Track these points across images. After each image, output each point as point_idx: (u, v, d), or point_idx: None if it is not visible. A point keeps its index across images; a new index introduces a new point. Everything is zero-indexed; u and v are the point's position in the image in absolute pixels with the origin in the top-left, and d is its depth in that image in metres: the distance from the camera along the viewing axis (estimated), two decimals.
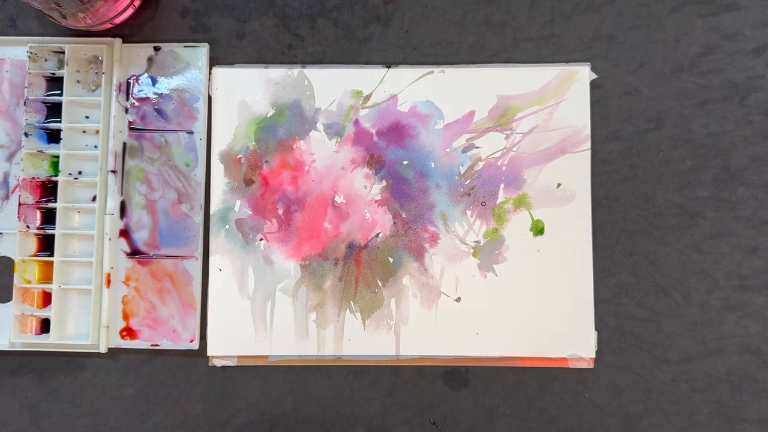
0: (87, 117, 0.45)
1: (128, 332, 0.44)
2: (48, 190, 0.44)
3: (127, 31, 0.46)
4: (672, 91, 0.45)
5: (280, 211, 0.45)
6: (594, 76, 0.45)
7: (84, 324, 0.44)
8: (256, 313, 0.44)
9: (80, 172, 0.44)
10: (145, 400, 0.44)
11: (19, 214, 0.44)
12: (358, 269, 0.44)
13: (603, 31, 0.45)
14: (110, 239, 0.44)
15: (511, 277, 0.44)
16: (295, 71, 0.45)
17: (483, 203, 0.44)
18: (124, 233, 0.44)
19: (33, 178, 0.44)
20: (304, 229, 0.44)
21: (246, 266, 0.44)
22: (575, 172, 0.44)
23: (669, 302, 0.44)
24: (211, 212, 0.44)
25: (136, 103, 0.45)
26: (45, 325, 0.44)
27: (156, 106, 0.45)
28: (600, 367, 0.44)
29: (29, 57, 0.44)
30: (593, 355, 0.43)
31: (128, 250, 0.44)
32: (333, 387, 0.44)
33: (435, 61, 0.45)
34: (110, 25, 0.45)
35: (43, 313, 0.43)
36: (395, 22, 0.46)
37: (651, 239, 0.44)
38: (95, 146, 0.44)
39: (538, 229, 0.44)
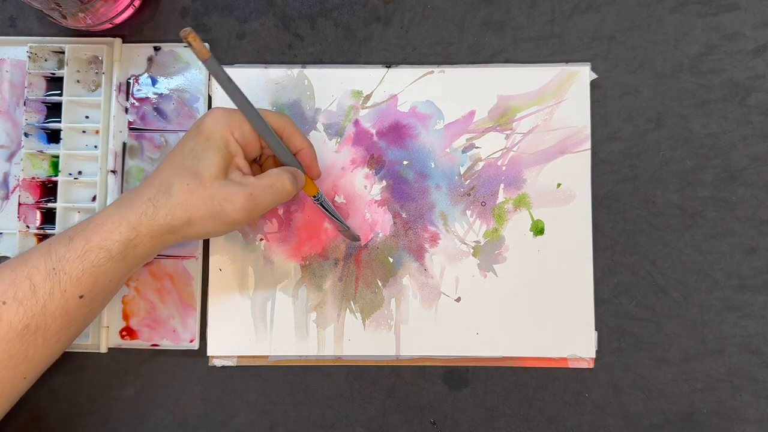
0: (87, 117, 0.45)
1: (128, 332, 0.44)
2: (48, 190, 0.44)
3: (127, 31, 0.46)
4: (672, 91, 0.45)
5: (281, 211, 0.45)
6: (594, 76, 0.45)
7: None
8: (256, 313, 0.44)
9: (80, 172, 0.44)
10: (145, 400, 0.44)
11: (19, 214, 0.44)
12: (358, 269, 0.44)
13: (603, 31, 0.45)
14: None
15: (511, 277, 0.44)
16: (295, 71, 0.45)
17: (483, 203, 0.44)
18: None
19: (33, 178, 0.44)
20: (304, 229, 0.44)
21: (246, 266, 0.44)
22: (575, 172, 0.44)
23: (669, 302, 0.44)
24: None
25: (136, 103, 0.45)
26: None
27: (156, 106, 0.45)
28: (600, 367, 0.44)
29: (29, 57, 0.44)
30: (593, 355, 0.43)
31: None
32: (333, 387, 0.44)
33: (435, 61, 0.45)
34: (110, 25, 0.45)
35: None
36: (395, 22, 0.46)
37: (651, 239, 0.44)
38: (95, 146, 0.44)
39: (538, 229, 0.44)
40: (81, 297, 0.35)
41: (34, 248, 0.36)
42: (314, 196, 0.41)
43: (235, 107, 0.38)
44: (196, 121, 0.39)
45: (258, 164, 0.41)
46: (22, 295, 0.34)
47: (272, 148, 0.39)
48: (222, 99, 0.45)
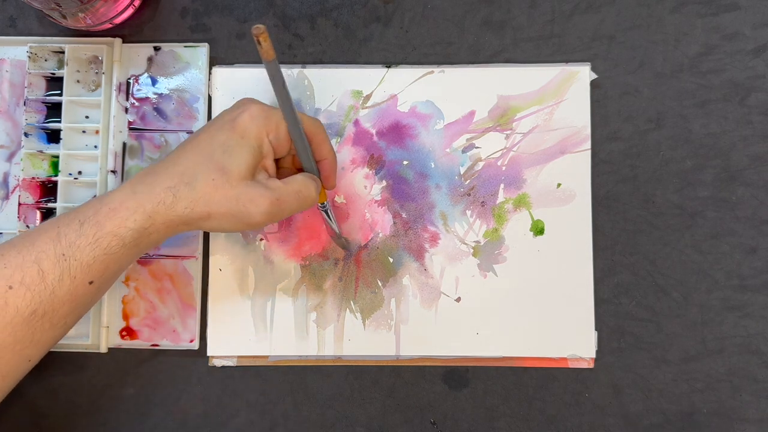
0: (87, 117, 0.45)
1: (128, 332, 0.44)
2: (48, 190, 0.44)
3: (127, 31, 0.46)
4: (672, 91, 0.45)
5: None
6: (594, 76, 0.45)
7: (84, 324, 0.44)
8: (256, 313, 0.44)
9: (80, 172, 0.44)
10: (145, 400, 0.44)
11: (19, 214, 0.44)
12: (358, 269, 0.44)
13: (603, 31, 0.45)
14: None
15: (511, 277, 0.44)
16: (295, 71, 0.45)
17: (483, 203, 0.44)
18: None
19: (33, 178, 0.44)
20: (304, 229, 0.44)
21: (246, 266, 0.44)
22: (575, 172, 0.44)
23: (669, 302, 0.44)
24: None
25: (136, 103, 0.45)
26: None
27: (156, 106, 0.45)
28: (600, 367, 0.44)
29: (29, 57, 0.44)
30: (593, 355, 0.43)
31: None
32: (333, 387, 0.44)
33: (435, 61, 0.45)
34: (110, 25, 0.45)
35: None
36: (395, 22, 0.46)
37: (651, 239, 0.44)
38: (95, 146, 0.44)
39: (538, 229, 0.44)
40: (91, 283, 0.35)
41: (41, 229, 0.35)
42: (322, 204, 0.41)
43: (267, 105, 0.37)
44: (229, 112, 0.37)
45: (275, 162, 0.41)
46: (30, 280, 0.33)
47: (299, 152, 0.38)
48: (222, 99, 0.45)
